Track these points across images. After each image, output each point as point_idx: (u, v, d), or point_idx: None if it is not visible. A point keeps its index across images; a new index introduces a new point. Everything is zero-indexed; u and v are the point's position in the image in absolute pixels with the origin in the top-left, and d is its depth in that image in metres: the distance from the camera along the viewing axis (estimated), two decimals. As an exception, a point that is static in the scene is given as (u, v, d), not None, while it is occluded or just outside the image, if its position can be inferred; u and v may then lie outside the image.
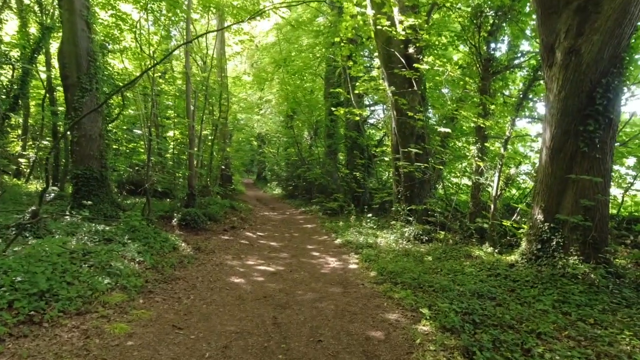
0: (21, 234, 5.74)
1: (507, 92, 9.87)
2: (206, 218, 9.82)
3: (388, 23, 9.35)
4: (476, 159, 8.46)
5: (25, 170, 15.76)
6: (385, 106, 16.51)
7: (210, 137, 16.05)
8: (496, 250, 7.29)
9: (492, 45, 8.61)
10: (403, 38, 9.17)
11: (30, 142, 16.77)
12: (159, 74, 15.43)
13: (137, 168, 16.12)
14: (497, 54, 8.85)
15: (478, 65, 8.64)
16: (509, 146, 8.56)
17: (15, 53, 12.66)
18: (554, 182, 5.45)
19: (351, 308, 4.51)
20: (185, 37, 12.60)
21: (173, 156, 16.07)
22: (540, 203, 5.62)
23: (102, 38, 12.70)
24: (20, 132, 16.82)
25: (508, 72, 8.85)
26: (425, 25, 9.19)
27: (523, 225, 7.33)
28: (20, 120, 16.22)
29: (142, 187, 9.77)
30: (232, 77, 20.50)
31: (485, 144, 8.43)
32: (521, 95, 7.82)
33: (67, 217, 7.57)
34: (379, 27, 9.49)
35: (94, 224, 7.13)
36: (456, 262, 6.54)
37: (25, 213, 6.14)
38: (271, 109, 26.74)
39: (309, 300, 4.78)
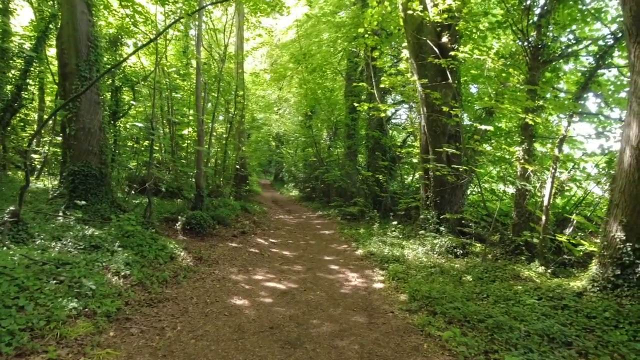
0: (-4, 238, 4.97)
1: (556, 86, 8.62)
2: (214, 222, 8.96)
3: (420, 7, 8.31)
4: (522, 161, 7.29)
5: (38, 166, 15.37)
6: (409, 104, 15.40)
7: (224, 135, 15.32)
8: (549, 271, 6.12)
9: (542, 30, 7.41)
10: (438, 21, 8.09)
11: (47, 138, 16.42)
12: (173, 68, 14.82)
13: (154, 166, 15.53)
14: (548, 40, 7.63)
15: (526, 54, 7.47)
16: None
17: (28, 45, 12.19)
18: (640, 192, 4.28)
19: (381, 350, 3.48)
20: (198, 29, 11.85)
21: (187, 154, 15.45)
22: (620, 217, 4.45)
23: (116, 31, 12.10)
24: (36, 127, 16.54)
25: (562, 61, 7.63)
26: (464, 9, 8.09)
27: (581, 242, 6.14)
28: (36, 115, 15.89)
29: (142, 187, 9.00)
30: (250, 73, 19.82)
31: (534, 145, 7.25)
32: (582, 87, 6.60)
33: (59, 218, 6.82)
34: (409, 11, 8.45)
35: (87, 227, 6.37)
36: (504, 284, 5.41)
37: (4, 214, 5.39)
38: (289, 109, 26.02)
39: (327, 335, 3.78)
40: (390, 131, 16.28)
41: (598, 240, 7.08)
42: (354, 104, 11.60)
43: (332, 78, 18.53)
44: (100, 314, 3.48)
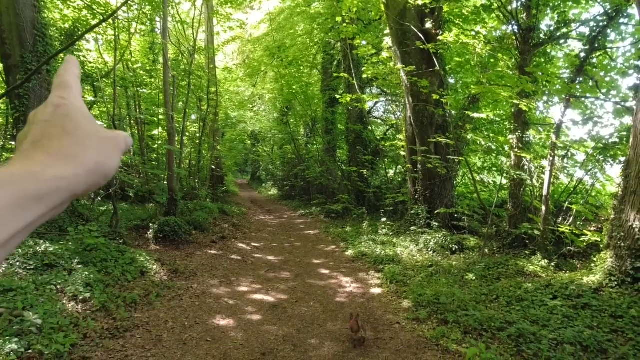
0: None
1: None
2: (190, 227, 8.22)
3: (403, -9, 7.85)
4: (516, 150, 6.96)
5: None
6: (390, 96, 15.04)
7: (197, 134, 14.47)
8: (552, 264, 5.80)
9: (532, 11, 7.08)
10: (422, 5, 7.64)
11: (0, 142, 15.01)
12: (139, 65, 13.84)
13: (119, 170, 14.47)
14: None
15: (515, 37, 7.14)
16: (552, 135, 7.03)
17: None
18: (661, 177, 3.96)
19: (396, 375, 2.97)
20: (163, 19, 11.00)
21: (159, 156, 14.53)
22: (638, 205, 4.11)
23: (72, 25, 11.06)
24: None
25: (552, 44, 7.34)
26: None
27: (585, 232, 5.85)
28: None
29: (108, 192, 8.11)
30: (222, 68, 18.91)
31: (528, 132, 6.94)
32: (577, 70, 6.29)
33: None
34: (392, -5, 7.97)
35: (41, 242, 5.55)
36: (511, 282, 5.02)
37: None
38: (264, 106, 25.27)
39: (330, 359, 3.23)
40: (371, 124, 15.88)
41: (593, 229, 6.86)
42: (336, 95, 11.07)
43: (307, 73, 17.95)
44: (49, 355, 2.79)
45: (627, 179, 4.34)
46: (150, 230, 7.44)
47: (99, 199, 11.16)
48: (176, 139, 11.01)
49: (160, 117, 13.37)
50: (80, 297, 3.85)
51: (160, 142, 14.34)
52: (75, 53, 10.65)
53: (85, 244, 5.30)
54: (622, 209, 4.35)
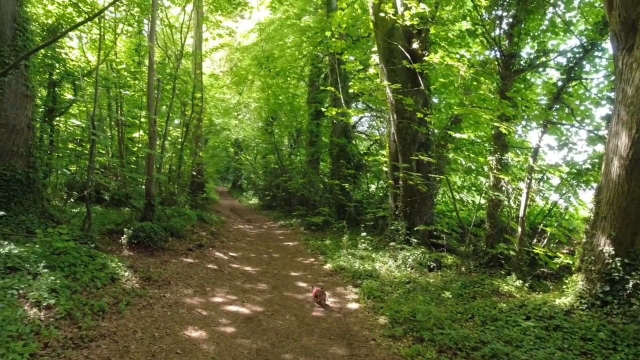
0: None
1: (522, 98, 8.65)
2: (167, 233, 8.01)
3: (392, 11, 8.02)
4: (495, 171, 7.13)
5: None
6: (375, 112, 15.25)
7: (180, 139, 14.25)
8: (526, 285, 5.91)
9: (513, 39, 7.36)
10: (410, 26, 7.82)
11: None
12: (123, 65, 13.60)
13: (96, 171, 14.01)
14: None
15: (497, 63, 7.38)
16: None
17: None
18: (630, 204, 4.10)
19: (370, 393, 2.92)
20: (152, 20, 10.88)
21: (138, 159, 14.20)
22: (608, 231, 4.25)
23: (56, 21, 10.79)
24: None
25: (531, 72, 7.63)
26: (436, 14, 7.92)
27: (558, 254, 6.00)
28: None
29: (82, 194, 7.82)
30: (209, 75, 18.80)
31: (507, 154, 7.13)
32: (554, 97, 6.54)
33: (-29, 232, 5.64)
34: (381, 14, 8.13)
35: (7, 243, 5.28)
36: (486, 301, 5.07)
37: None
38: (250, 114, 25.17)
39: (303, 376, 3.16)
40: (355, 139, 16.01)
41: (566, 252, 7.05)
42: (321, 108, 11.12)
43: (294, 84, 18.05)
44: (5, 365, 2.62)
45: (599, 204, 4.49)
46: (125, 235, 7.20)
47: (72, 200, 10.76)
48: (157, 142, 10.81)
49: (142, 120, 13.11)
50: (44, 304, 3.66)
51: (140, 146, 14.04)
52: (57, 50, 10.40)
53: (53, 247, 5.08)
54: (594, 234, 4.49)
